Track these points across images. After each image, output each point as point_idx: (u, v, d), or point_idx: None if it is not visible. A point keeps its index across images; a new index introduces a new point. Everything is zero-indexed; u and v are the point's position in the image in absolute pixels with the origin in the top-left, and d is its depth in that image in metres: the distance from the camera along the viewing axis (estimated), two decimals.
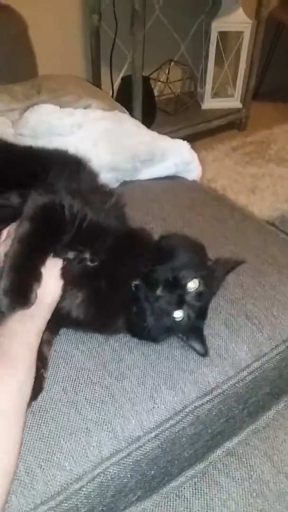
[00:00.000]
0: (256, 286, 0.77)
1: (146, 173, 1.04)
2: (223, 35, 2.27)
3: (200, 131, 2.29)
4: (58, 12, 1.94)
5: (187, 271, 0.62)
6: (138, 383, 0.62)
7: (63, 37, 2.01)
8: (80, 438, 0.57)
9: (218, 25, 2.22)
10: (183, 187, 1.06)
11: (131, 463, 0.59)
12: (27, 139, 0.99)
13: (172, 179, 1.07)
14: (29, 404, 0.55)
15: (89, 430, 0.58)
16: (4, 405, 0.51)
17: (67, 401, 0.60)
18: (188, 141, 1.07)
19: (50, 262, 0.60)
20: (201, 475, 0.64)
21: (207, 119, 2.33)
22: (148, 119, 1.97)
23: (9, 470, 0.50)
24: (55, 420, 0.58)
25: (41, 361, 0.60)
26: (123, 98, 1.78)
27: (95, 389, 0.61)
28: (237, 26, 2.26)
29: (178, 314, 0.61)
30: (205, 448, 0.68)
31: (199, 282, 0.62)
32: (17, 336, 0.56)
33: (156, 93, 2.33)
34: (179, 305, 0.61)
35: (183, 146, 1.04)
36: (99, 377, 0.62)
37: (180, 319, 0.62)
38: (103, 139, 0.99)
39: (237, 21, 2.23)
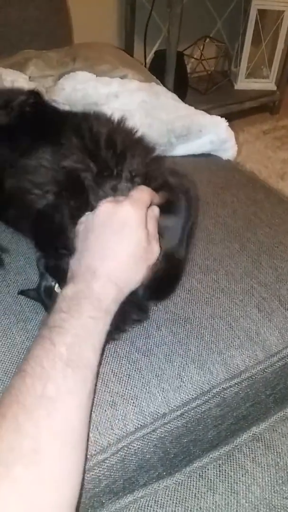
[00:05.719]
0: None
1: (181, 149, 1.01)
2: (262, 13, 2.20)
3: (231, 112, 2.22)
4: None
5: None
6: (165, 360, 0.61)
7: (98, 6, 1.96)
8: (105, 411, 0.56)
9: (258, 3, 2.15)
10: (217, 166, 1.03)
11: (155, 440, 0.58)
12: (60, 106, 0.97)
13: (206, 157, 1.04)
14: None
15: (115, 403, 0.57)
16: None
17: None
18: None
19: None
20: (226, 457, 0.63)
21: (240, 100, 2.27)
22: (179, 97, 1.93)
23: (73, 503, 0.42)
24: None
25: None
26: (155, 73, 1.73)
27: (121, 363, 0.60)
28: (277, 5, 2.18)
29: None
30: (228, 431, 0.67)
31: None
32: (94, 338, 0.49)
33: (188, 70, 2.27)
34: None
35: (221, 124, 1.00)
36: (126, 352, 0.61)
37: None
38: (139, 111, 0.96)
39: None
